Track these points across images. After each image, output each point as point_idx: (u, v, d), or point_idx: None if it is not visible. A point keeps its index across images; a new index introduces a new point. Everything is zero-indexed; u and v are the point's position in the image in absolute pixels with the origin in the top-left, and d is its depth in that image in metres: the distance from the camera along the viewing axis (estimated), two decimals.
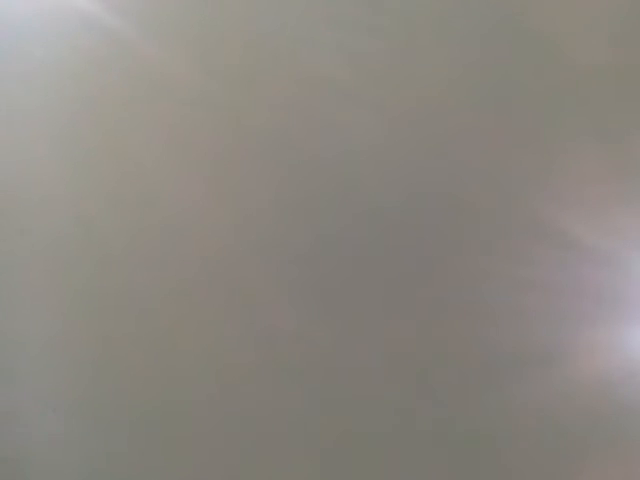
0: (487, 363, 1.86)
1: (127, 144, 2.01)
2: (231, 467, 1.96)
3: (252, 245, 1.98)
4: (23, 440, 2.02)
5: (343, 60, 1.93)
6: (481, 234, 1.88)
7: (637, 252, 1.82)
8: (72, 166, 2.03)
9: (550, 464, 1.85)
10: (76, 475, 2.01)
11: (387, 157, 1.92)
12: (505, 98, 1.89)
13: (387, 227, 1.92)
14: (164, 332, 1.99)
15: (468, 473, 1.89)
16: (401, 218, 1.92)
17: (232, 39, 1.97)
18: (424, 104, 1.91)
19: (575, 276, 1.82)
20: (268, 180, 1.97)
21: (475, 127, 1.89)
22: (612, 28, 1.88)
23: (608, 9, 1.88)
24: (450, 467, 1.89)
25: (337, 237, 1.94)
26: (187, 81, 1.98)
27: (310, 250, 1.95)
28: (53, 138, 2.04)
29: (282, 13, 1.95)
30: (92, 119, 2.02)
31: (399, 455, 1.91)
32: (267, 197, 1.97)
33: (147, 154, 2.00)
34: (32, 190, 2.05)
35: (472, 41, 1.90)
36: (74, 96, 2.02)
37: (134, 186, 2.00)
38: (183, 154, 2.00)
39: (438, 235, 1.90)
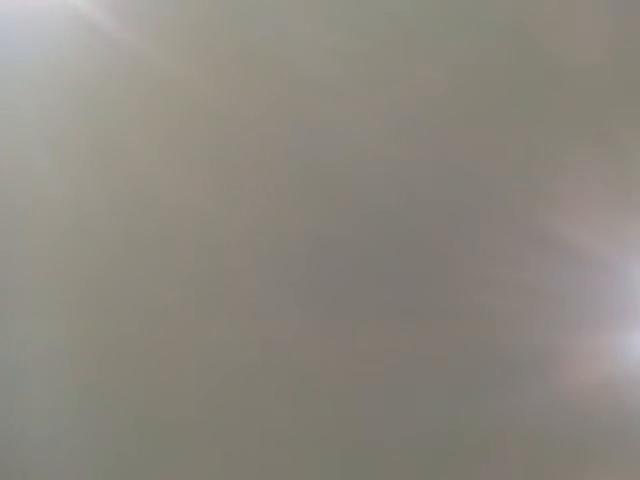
0: (485, 369, 1.87)
1: (125, 146, 2.01)
2: (232, 469, 1.96)
3: (251, 247, 1.98)
4: (23, 441, 2.03)
5: (342, 63, 1.93)
6: (479, 239, 1.88)
7: (637, 257, 1.82)
8: (71, 167, 2.03)
9: (549, 470, 1.85)
10: (76, 476, 2.01)
11: (385, 160, 1.92)
12: (504, 102, 1.89)
13: (385, 231, 1.92)
14: (164, 333, 1.99)
15: (466, 477, 1.89)
16: (399, 222, 1.92)
17: (230, 41, 1.98)
18: (422, 107, 1.91)
19: (574, 282, 1.82)
20: (266, 183, 1.97)
21: (473, 131, 1.89)
22: (611, 30, 1.88)
23: (606, 12, 1.89)
24: (448, 470, 1.90)
25: (336, 241, 1.94)
26: (184, 83, 1.98)
27: (309, 253, 1.95)
28: (51, 140, 2.03)
29: (280, 15, 1.95)
30: (90, 121, 2.02)
31: (397, 457, 1.91)
32: (266, 199, 1.97)
33: (145, 156, 2.00)
34: (31, 191, 2.05)
35: (470, 44, 1.90)
36: (72, 98, 2.02)
37: (133, 187, 2.00)
38: (182, 156, 2.00)
39: (436, 239, 1.91)
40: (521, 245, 1.85)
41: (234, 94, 1.97)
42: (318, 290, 1.94)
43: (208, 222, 2.00)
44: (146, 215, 2.00)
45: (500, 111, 1.89)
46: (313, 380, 1.94)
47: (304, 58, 1.94)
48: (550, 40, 1.87)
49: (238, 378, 1.96)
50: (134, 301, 2.00)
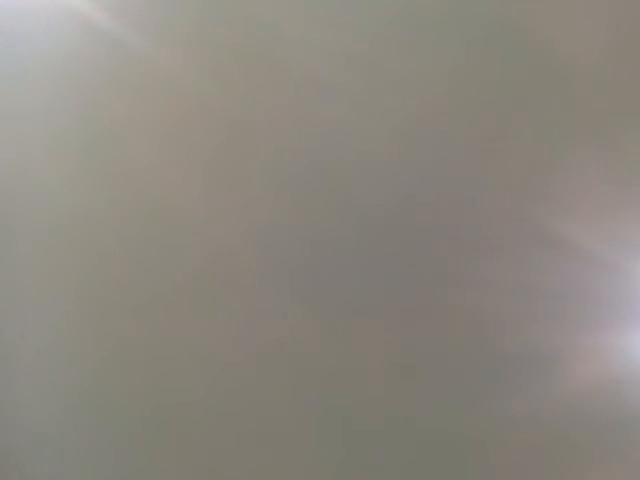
0: (485, 368, 1.87)
1: (125, 146, 2.01)
2: (230, 468, 1.97)
3: (251, 247, 1.98)
4: (22, 441, 2.03)
5: (342, 63, 1.93)
6: (480, 239, 1.88)
7: (637, 257, 1.82)
8: (70, 167, 2.03)
9: (548, 470, 1.85)
10: (76, 476, 2.01)
11: (387, 160, 1.93)
12: (505, 103, 1.89)
13: (385, 231, 1.92)
14: (163, 333, 2.00)
15: (466, 476, 1.89)
16: (401, 221, 1.92)
17: (231, 41, 1.98)
18: (423, 108, 1.91)
19: (575, 282, 1.82)
20: (266, 183, 1.97)
21: (475, 131, 1.89)
22: (611, 31, 1.88)
23: (606, 12, 1.89)
24: (448, 469, 1.90)
25: (338, 241, 1.94)
26: (184, 83, 1.98)
27: (310, 253, 1.95)
28: (51, 139, 2.04)
29: (281, 15, 1.95)
30: (90, 121, 2.02)
31: (396, 457, 1.91)
32: (266, 199, 1.97)
33: (145, 155, 2.01)
34: (30, 191, 2.05)
35: (471, 45, 1.90)
36: (72, 97, 2.02)
37: (133, 187, 2.01)
38: (181, 155, 2.00)
39: (437, 239, 1.91)
40: (521, 245, 1.85)
41: (235, 95, 1.97)
42: (318, 289, 1.94)
43: (208, 222, 2.00)
44: (146, 215, 2.01)
45: (501, 111, 1.89)
46: (313, 379, 1.94)
47: (304, 58, 1.94)
48: (551, 40, 1.87)
49: (238, 378, 1.97)
50: (133, 301, 2.01)
